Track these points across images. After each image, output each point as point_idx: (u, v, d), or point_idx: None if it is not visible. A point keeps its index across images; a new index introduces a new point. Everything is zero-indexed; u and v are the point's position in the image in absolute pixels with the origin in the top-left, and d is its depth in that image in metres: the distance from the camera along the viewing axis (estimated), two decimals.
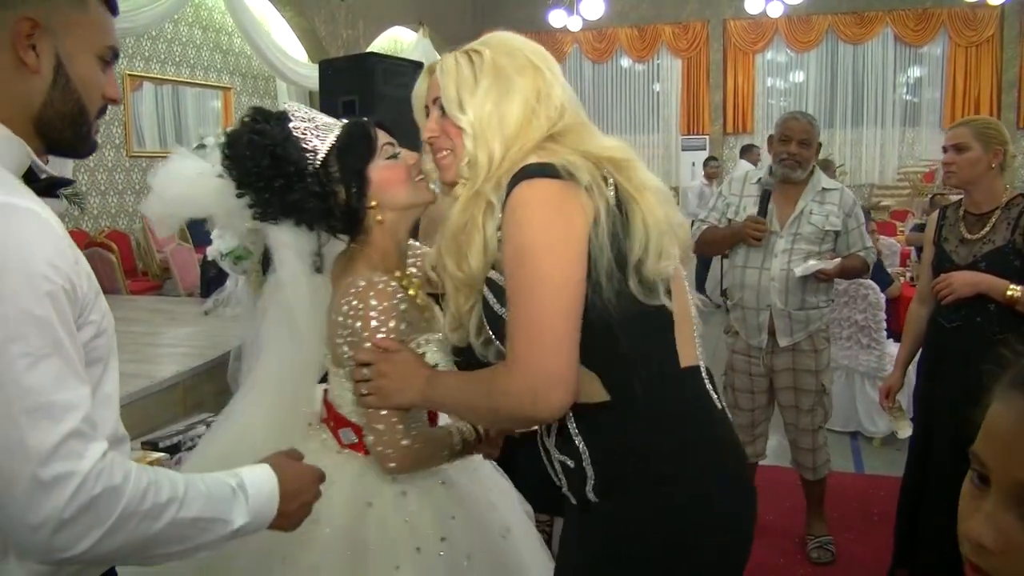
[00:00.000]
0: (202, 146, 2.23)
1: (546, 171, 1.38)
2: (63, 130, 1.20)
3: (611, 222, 1.37)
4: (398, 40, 14.95)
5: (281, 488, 1.26)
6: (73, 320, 1.06)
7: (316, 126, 1.77)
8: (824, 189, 3.44)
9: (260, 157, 1.69)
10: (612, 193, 1.40)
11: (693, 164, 14.77)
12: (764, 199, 3.37)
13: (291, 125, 1.74)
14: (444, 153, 1.54)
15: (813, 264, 3.32)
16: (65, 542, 0.99)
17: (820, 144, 3.51)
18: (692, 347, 1.51)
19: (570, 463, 1.48)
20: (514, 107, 1.46)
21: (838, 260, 3.39)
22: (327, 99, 5.78)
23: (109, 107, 1.27)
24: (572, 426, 1.46)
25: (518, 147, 1.45)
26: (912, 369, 3.23)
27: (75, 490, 0.99)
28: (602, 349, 1.40)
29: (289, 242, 1.75)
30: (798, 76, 16.63)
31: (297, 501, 1.30)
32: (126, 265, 8.37)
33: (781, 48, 16.50)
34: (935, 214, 3.08)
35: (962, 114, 15.25)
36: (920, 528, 2.96)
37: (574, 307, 1.35)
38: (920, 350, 3.12)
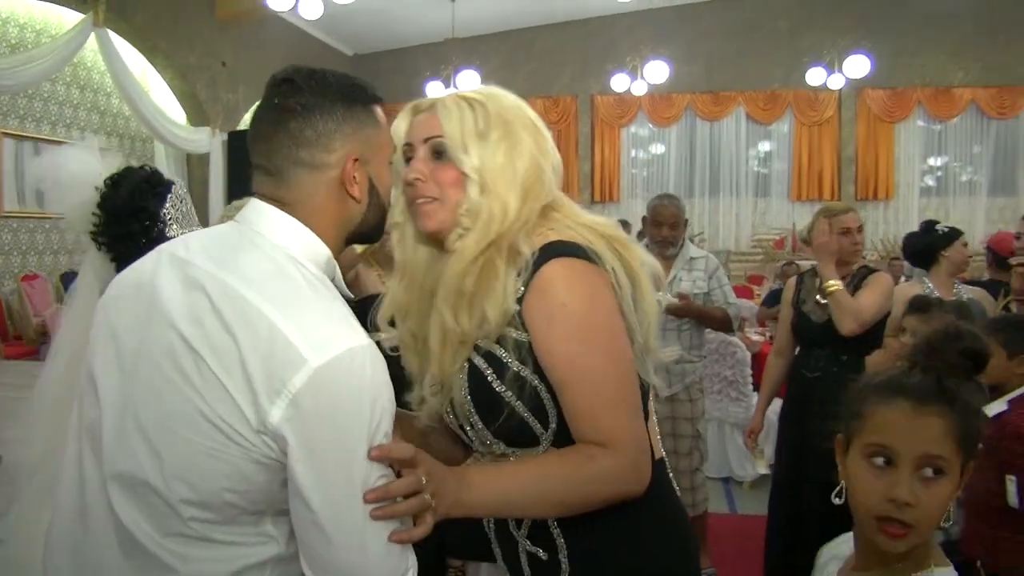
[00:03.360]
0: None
1: (577, 252, 1.36)
2: (369, 234, 1.38)
3: (626, 308, 1.40)
4: None
5: None
6: None
7: (183, 214, 2.13)
8: (692, 258, 3.93)
9: (135, 199, 2.02)
10: (625, 279, 1.41)
11: None
12: None
13: (168, 198, 2.09)
14: (427, 200, 1.43)
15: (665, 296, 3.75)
16: None
17: (686, 220, 4.00)
18: (656, 436, 1.50)
19: (542, 555, 1.45)
20: (525, 162, 1.42)
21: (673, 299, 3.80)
22: (235, 169, 5.94)
23: None
24: (552, 520, 1.43)
25: (530, 205, 1.41)
26: (773, 412, 3.71)
27: None
28: None
29: (97, 267, 2.06)
30: (659, 148, 17.72)
31: None
32: None
33: (644, 123, 17.56)
34: (793, 279, 3.58)
35: (807, 186, 16.67)
36: (793, 553, 3.36)
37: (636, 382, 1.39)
38: (779, 396, 3.60)
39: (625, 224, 11.13)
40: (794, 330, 3.42)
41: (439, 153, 1.43)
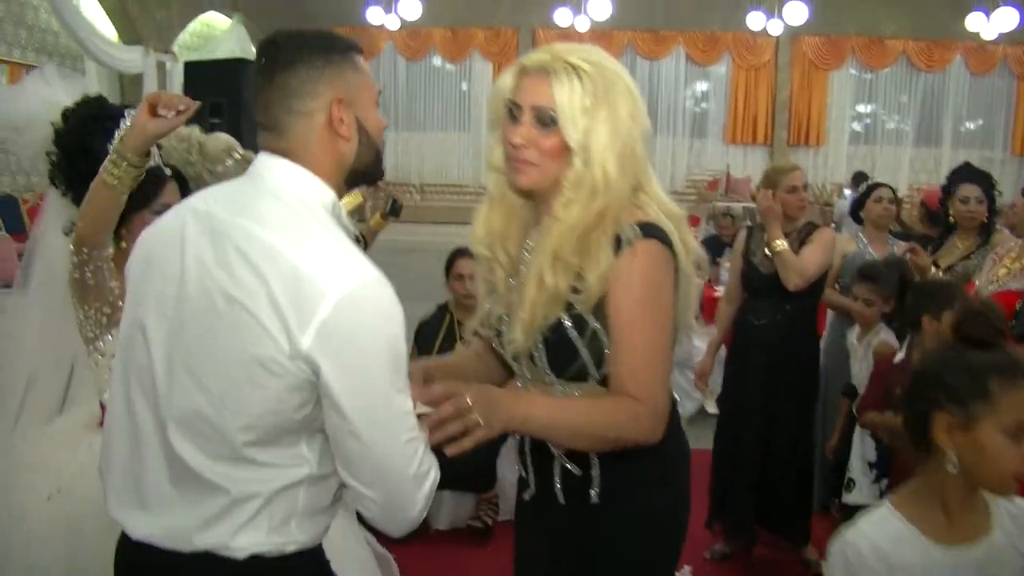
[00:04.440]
0: None
1: (664, 238, 1.55)
2: (367, 172, 1.49)
3: (679, 288, 1.61)
4: (211, 24, 14.66)
5: None
6: None
7: None
8: None
9: (81, 137, 2.05)
10: (683, 264, 1.61)
11: None
12: None
13: (116, 133, 2.02)
14: (527, 165, 1.55)
15: None
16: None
17: None
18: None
19: (576, 470, 1.64)
20: (623, 135, 1.52)
21: None
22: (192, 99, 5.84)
23: None
24: None
25: (627, 179, 1.55)
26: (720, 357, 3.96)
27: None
28: None
29: (58, 208, 2.13)
30: None
31: None
32: None
33: None
34: (744, 232, 3.79)
35: (742, 129, 17.01)
36: (735, 484, 3.63)
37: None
38: (727, 341, 3.83)
39: None
40: (743, 280, 3.64)
41: (544, 122, 1.53)
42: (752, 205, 14.92)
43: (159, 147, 2.22)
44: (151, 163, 2.08)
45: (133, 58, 11.67)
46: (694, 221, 12.18)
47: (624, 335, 1.54)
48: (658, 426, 1.56)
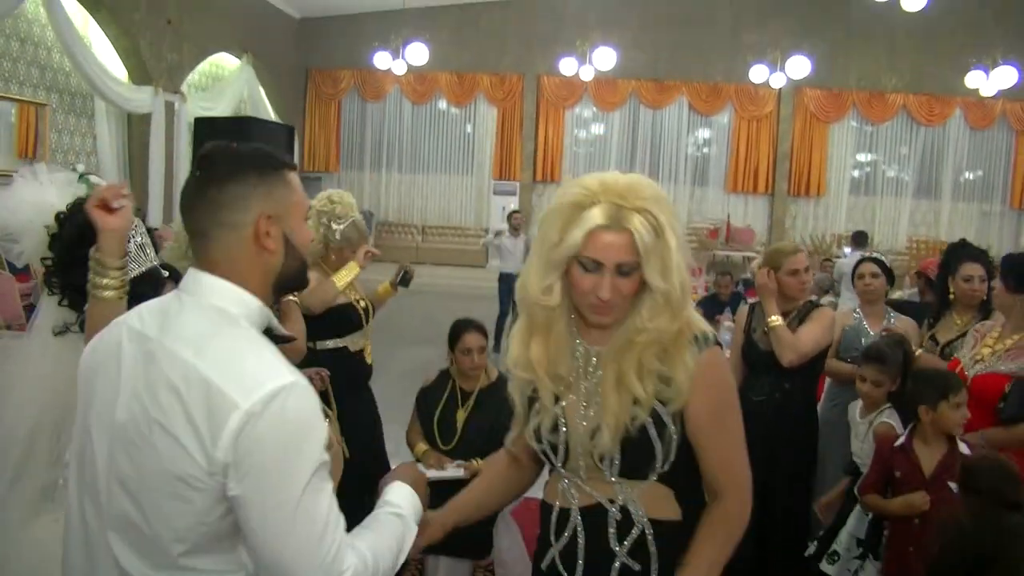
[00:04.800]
0: (82, 176, 2.34)
1: (719, 342, 1.75)
2: (292, 282, 1.55)
3: None
4: (221, 66, 14.85)
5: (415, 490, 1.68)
6: None
7: (131, 251, 2.09)
8: None
9: (76, 248, 2.03)
10: None
11: (504, 208, 15.31)
12: None
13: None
14: (610, 308, 1.66)
15: None
16: None
17: None
18: None
19: (636, 567, 1.71)
20: (682, 243, 1.66)
21: None
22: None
23: None
24: (650, 538, 1.71)
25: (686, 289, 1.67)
26: None
27: None
28: (688, 475, 1.72)
29: (51, 311, 2.12)
30: (602, 130, 17.98)
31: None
32: None
33: (589, 105, 17.77)
34: (745, 308, 3.83)
35: (743, 178, 17.15)
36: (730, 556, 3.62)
37: None
38: None
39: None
40: (743, 355, 3.67)
41: (625, 272, 1.63)
42: (751, 254, 15.03)
43: (157, 249, 2.29)
44: (149, 264, 2.15)
45: (143, 98, 11.81)
46: (696, 272, 12.25)
47: (714, 432, 1.70)
48: (748, 505, 1.74)
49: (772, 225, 17.35)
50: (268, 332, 1.50)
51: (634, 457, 1.68)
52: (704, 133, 17.80)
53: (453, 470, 3.70)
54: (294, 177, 1.52)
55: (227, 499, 1.32)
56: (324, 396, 3.49)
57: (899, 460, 2.91)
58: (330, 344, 3.72)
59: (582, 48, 14.87)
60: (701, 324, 1.71)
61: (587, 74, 15.03)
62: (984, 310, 3.76)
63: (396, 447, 4.10)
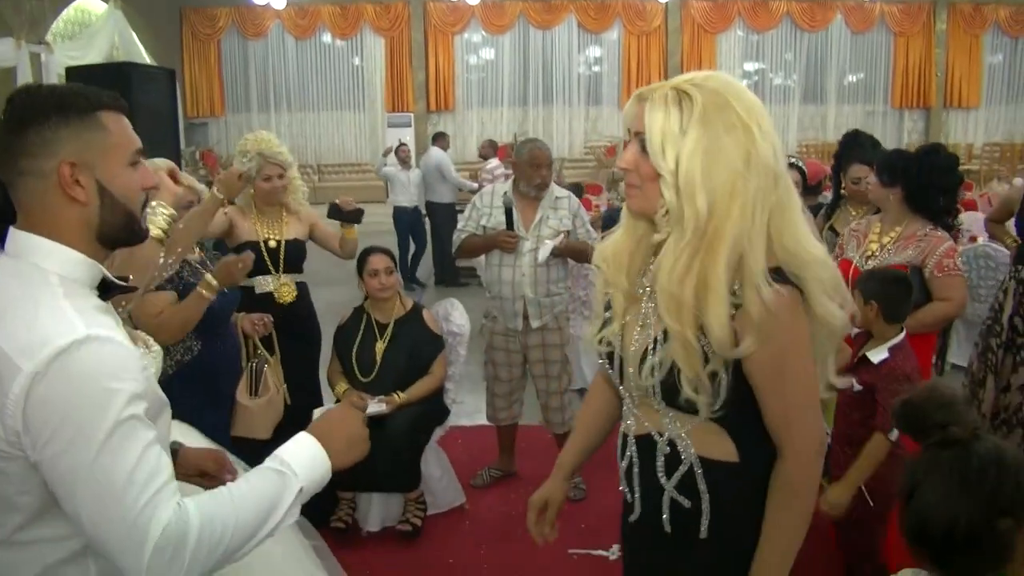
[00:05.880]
0: None
1: (797, 284, 1.50)
2: (119, 235, 1.42)
3: (813, 334, 1.57)
4: (87, 11, 13.98)
5: (321, 440, 1.44)
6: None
7: None
8: (556, 198, 4.14)
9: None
10: (818, 310, 1.54)
11: (400, 140, 15.15)
12: (508, 214, 4.01)
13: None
14: (632, 188, 1.57)
15: (548, 244, 4.00)
16: None
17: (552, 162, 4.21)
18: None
19: (687, 504, 1.61)
20: (720, 168, 1.45)
21: (562, 235, 4.05)
22: None
23: None
24: (699, 475, 1.59)
25: (742, 213, 1.45)
26: None
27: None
28: (748, 419, 1.55)
29: None
30: (492, 55, 17.75)
31: (339, 441, 1.46)
32: None
33: (478, 29, 17.48)
34: None
35: None
36: None
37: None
38: None
39: (442, 135, 10.67)
40: None
41: (645, 147, 1.50)
42: None
43: None
44: None
45: (3, 51, 11.02)
46: (596, 189, 12.35)
47: (770, 380, 1.51)
48: (815, 466, 1.58)
49: None
50: (104, 285, 1.41)
51: (673, 394, 1.55)
52: (595, 51, 17.78)
53: (375, 406, 3.68)
54: (113, 118, 1.39)
55: (34, 464, 1.25)
56: (267, 342, 3.39)
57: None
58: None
59: None
60: (759, 260, 1.46)
61: None
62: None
63: (324, 390, 4.05)
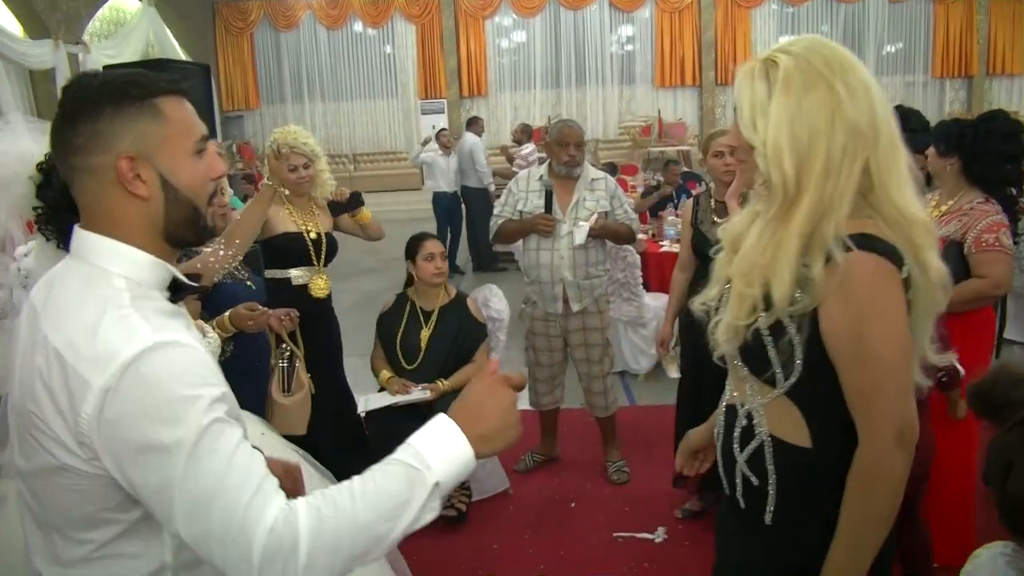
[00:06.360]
0: None
1: (887, 252, 1.42)
2: (186, 233, 1.32)
3: (912, 308, 1.48)
4: (121, 10, 14.15)
5: (464, 425, 1.26)
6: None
7: None
8: (593, 179, 4.11)
9: (69, 195, 1.99)
10: (917, 281, 1.47)
11: (433, 127, 15.07)
12: (548, 197, 3.98)
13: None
14: (740, 164, 1.59)
15: (583, 225, 3.98)
16: None
17: (585, 142, 4.18)
18: None
19: (755, 481, 1.60)
20: (802, 129, 1.43)
21: (595, 215, 4.02)
22: None
23: None
24: (768, 454, 1.57)
25: (829, 181, 1.43)
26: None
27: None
28: (822, 400, 1.50)
29: (49, 256, 1.95)
30: (524, 38, 17.66)
31: (486, 424, 1.28)
32: None
33: (508, 13, 17.40)
34: (691, 201, 3.83)
35: (670, 73, 17.07)
36: None
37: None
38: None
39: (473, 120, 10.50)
40: (694, 248, 3.69)
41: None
42: (685, 148, 15.07)
43: None
44: None
45: (42, 52, 11.21)
46: (632, 170, 12.26)
47: (847, 355, 1.44)
48: (895, 456, 1.46)
49: (703, 116, 17.36)
50: (175, 286, 1.34)
51: (749, 360, 1.55)
52: (627, 30, 17.60)
53: (419, 393, 3.71)
54: (172, 103, 1.28)
55: (114, 482, 1.19)
56: (293, 336, 3.41)
57: None
58: (271, 274, 3.65)
59: None
60: (839, 223, 1.42)
61: None
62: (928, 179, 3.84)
63: (354, 380, 4.08)
